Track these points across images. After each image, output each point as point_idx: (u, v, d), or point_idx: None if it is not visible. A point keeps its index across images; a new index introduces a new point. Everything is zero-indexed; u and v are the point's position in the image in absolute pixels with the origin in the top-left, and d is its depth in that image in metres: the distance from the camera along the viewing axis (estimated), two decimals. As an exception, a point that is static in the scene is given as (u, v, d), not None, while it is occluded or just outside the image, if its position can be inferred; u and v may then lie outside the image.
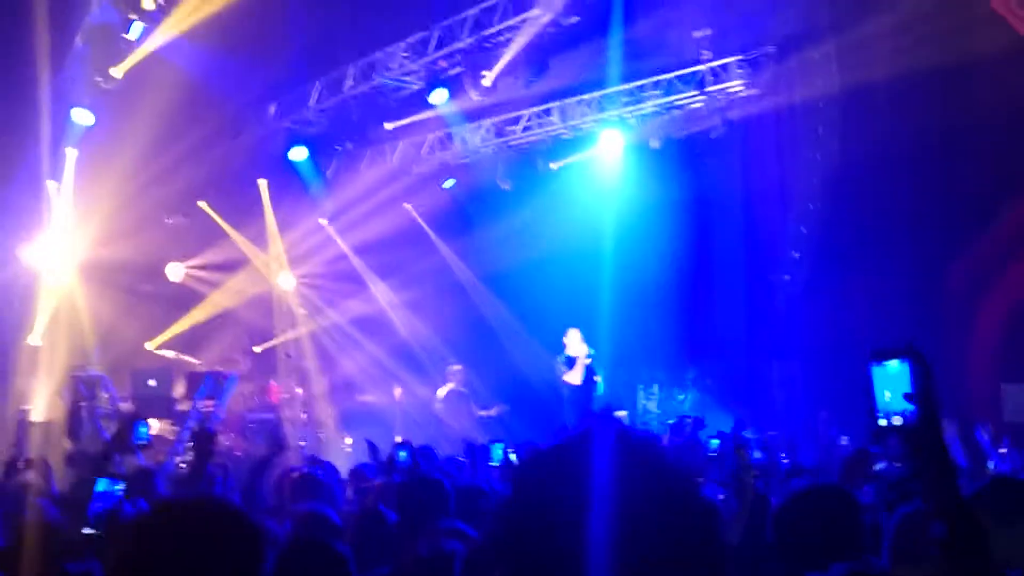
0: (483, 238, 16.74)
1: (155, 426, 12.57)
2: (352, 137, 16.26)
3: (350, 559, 3.64)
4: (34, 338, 14.15)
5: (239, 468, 8.16)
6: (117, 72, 12.69)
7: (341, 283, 17.77)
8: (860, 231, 13.77)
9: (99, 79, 12.90)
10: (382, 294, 17.68)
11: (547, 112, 15.19)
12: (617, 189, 15.24)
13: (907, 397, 2.25)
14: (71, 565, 4.11)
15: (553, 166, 15.62)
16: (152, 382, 12.19)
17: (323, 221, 17.66)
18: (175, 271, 16.74)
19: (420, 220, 17.71)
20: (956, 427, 7.61)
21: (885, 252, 13.42)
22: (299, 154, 16.00)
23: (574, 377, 13.49)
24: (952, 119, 12.01)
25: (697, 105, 13.78)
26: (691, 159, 14.65)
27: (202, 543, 2.33)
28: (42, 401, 13.55)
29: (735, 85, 13.28)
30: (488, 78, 13.45)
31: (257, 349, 16.86)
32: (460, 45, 13.63)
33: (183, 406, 12.36)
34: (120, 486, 5.42)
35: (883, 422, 2.30)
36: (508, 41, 13.31)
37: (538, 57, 13.33)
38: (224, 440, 13.68)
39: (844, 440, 11.06)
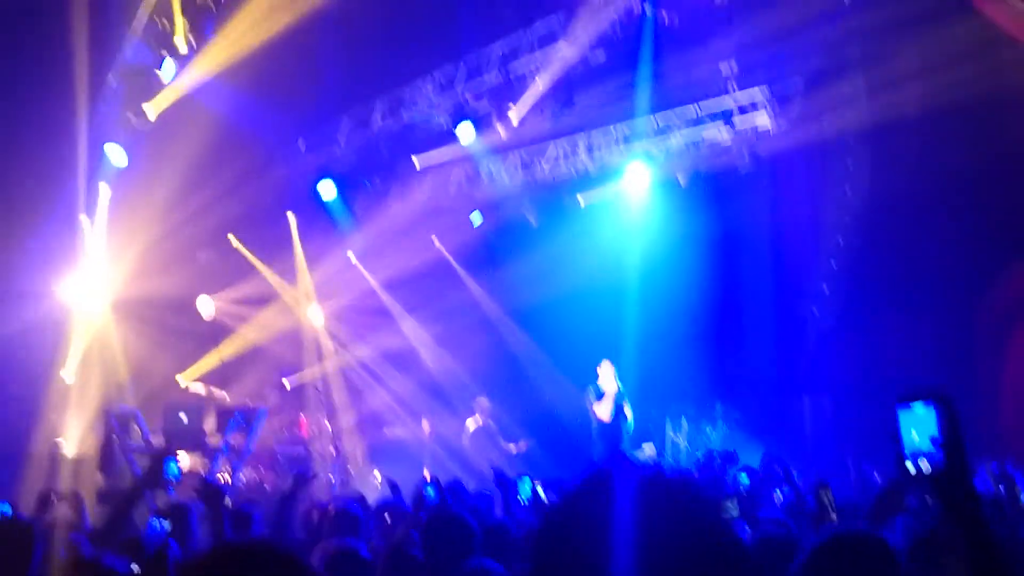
0: (510, 273, 16.74)
1: (187, 460, 12.63)
2: (380, 172, 16.37)
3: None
4: (67, 373, 14.29)
5: (268, 502, 8.19)
6: (150, 111, 12.88)
7: (369, 317, 17.82)
8: (890, 265, 13.69)
9: (132, 117, 13.10)
10: (410, 329, 17.72)
11: (574, 147, 15.23)
12: (645, 224, 15.23)
13: (935, 443, 2.24)
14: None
15: (580, 201, 15.64)
16: (183, 416, 12.24)
17: (351, 256, 17.75)
18: (206, 306, 16.87)
19: (447, 255, 17.76)
20: (989, 463, 7.53)
21: (915, 286, 13.33)
22: (327, 189, 16.13)
23: (603, 412, 13.43)
24: (983, 154, 11.95)
25: (725, 139, 13.78)
26: (719, 194, 14.62)
27: None
28: (74, 436, 13.67)
29: (763, 119, 13.28)
30: (515, 115, 13.53)
31: (286, 383, 16.92)
32: (486, 81, 13.73)
33: (213, 440, 12.41)
34: (166, 523, 5.48)
35: (911, 467, 2.29)
36: (534, 76, 13.39)
37: (564, 92, 13.41)
38: (253, 474, 13.76)
39: (877, 477, 10.93)
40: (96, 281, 14.74)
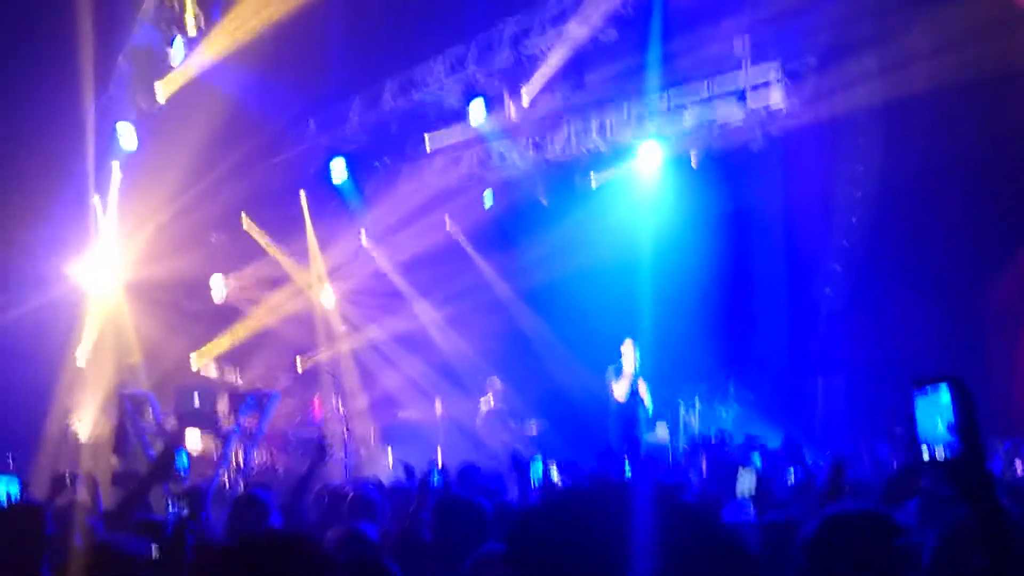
0: (522, 253, 16.71)
1: (199, 441, 12.69)
2: (391, 152, 16.34)
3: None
4: (80, 355, 14.34)
5: (281, 484, 8.20)
6: (160, 93, 12.88)
7: (381, 299, 17.83)
8: (903, 245, 13.61)
9: (141, 99, 13.09)
10: (422, 310, 17.72)
11: (585, 126, 15.17)
12: (657, 203, 15.17)
13: (950, 428, 2.21)
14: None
15: (592, 181, 15.58)
16: (196, 398, 12.28)
17: (363, 238, 17.74)
18: (218, 288, 16.90)
19: (459, 235, 17.73)
20: (1001, 443, 7.50)
21: (928, 266, 13.26)
22: (339, 169, 16.11)
23: (620, 391, 13.44)
24: (996, 133, 11.87)
25: (737, 118, 13.70)
26: (731, 172, 14.54)
27: None
28: (88, 418, 13.73)
29: (775, 97, 13.19)
30: (524, 95, 13.47)
31: (299, 365, 16.96)
32: (497, 61, 13.67)
33: (226, 423, 12.44)
34: (183, 505, 5.51)
35: (926, 452, 2.27)
36: (545, 56, 13.32)
37: (576, 72, 13.34)
38: (266, 456, 13.81)
39: (890, 457, 10.92)
40: (108, 263, 14.77)
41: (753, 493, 5.51)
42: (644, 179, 15.21)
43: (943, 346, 12.41)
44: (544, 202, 16.19)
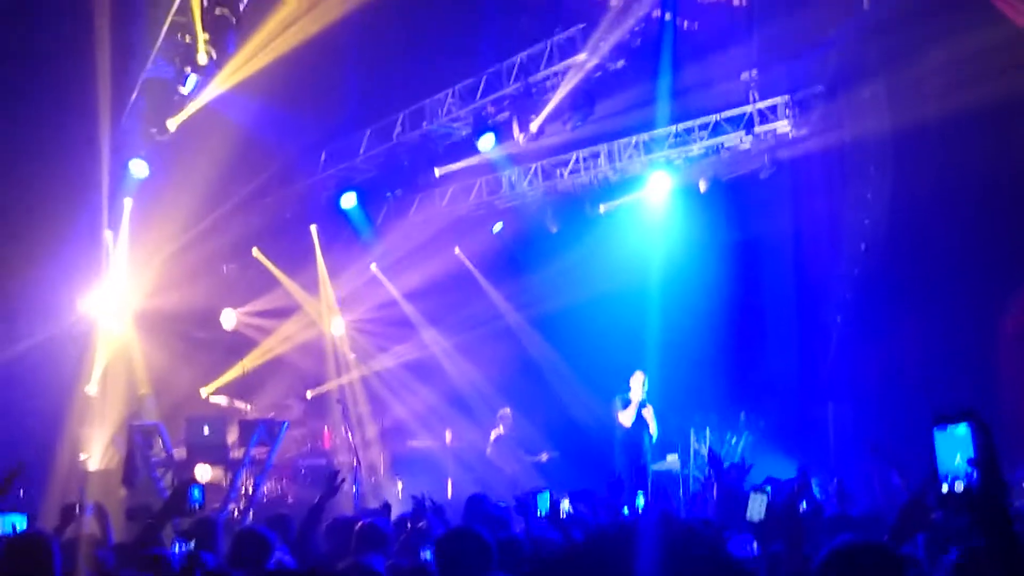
0: (532, 281, 16.74)
1: (210, 473, 12.68)
2: (402, 183, 16.40)
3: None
4: (90, 387, 14.36)
5: (293, 514, 8.18)
6: (172, 125, 12.96)
7: (392, 328, 17.86)
8: (914, 272, 13.57)
9: (154, 131, 13.17)
10: (432, 338, 17.73)
11: (595, 155, 15.24)
12: (665, 231, 15.20)
13: (970, 463, 2.22)
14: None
15: (601, 209, 15.62)
16: (206, 429, 12.29)
17: (374, 267, 17.80)
18: (229, 318, 16.94)
19: (469, 264, 17.77)
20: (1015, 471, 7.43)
21: (939, 291, 13.20)
22: (349, 201, 16.19)
23: (625, 418, 13.43)
24: (1005, 159, 11.85)
25: (745, 146, 13.73)
26: (740, 200, 14.57)
27: None
28: (98, 449, 13.74)
29: (783, 125, 13.23)
30: (534, 124, 13.53)
31: (309, 395, 16.96)
32: (507, 91, 13.76)
33: (236, 453, 12.44)
34: (190, 544, 5.52)
35: (946, 487, 2.27)
36: (555, 86, 13.40)
37: (585, 101, 13.40)
38: (276, 486, 13.79)
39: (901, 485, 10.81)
40: (119, 294, 14.82)
41: (763, 517, 5.46)
42: (653, 207, 15.25)
43: (954, 373, 12.33)
44: (553, 230, 16.23)
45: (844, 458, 13.10)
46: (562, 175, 15.63)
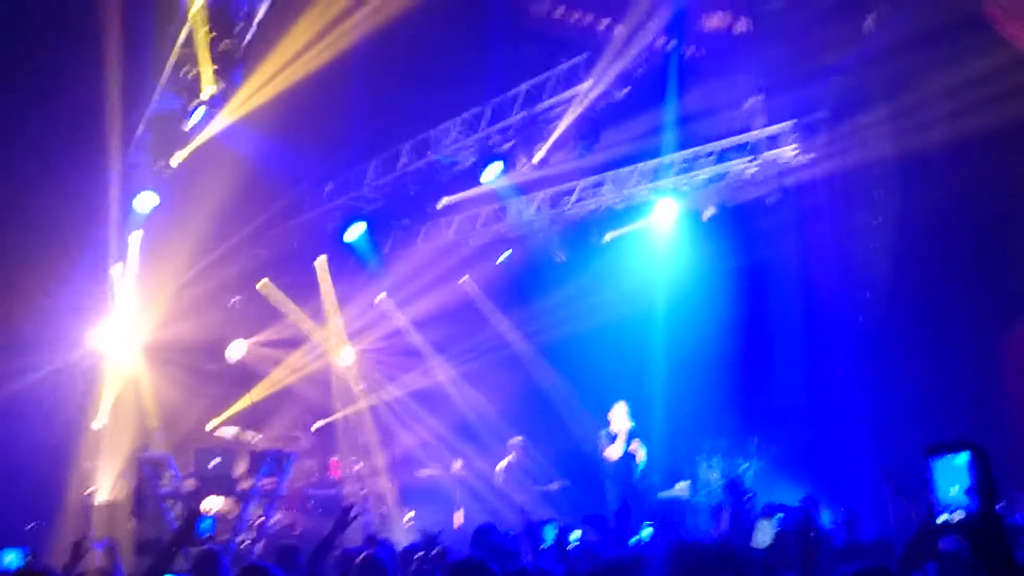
0: (539, 310, 16.73)
1: (219, 505, 12.66)
2: (408, 213, 16.42)
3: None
4: (99, 420, 14.38)
5: (301, 545, 8.16)
6: (178, 158, 13.03)
7: (399, 357, 17.86)
8: (922, 295, 13.54)
9: (161, 164, 13.24)
10: (440, 368, 17.72)
11: (600, 183, 15.25)
12: (672, 258, 15.19)
13: (968, 491, 2.21)
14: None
15: (607, 237, 15.62)
16: (215, 461, 12.29)
17: (381, 297, 17.82)
18: (236, 350, 16.95)
19: (477, 293, 17.78)
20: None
21: (948, 316, 13.17)
22: (356, 231, 16.22)
23: (614, 452, 13.44)
24: (1012, 180, 11.84)
25: (751, 172, 13.74)
26: (746, 226, 14.56)
27: None
28: (107, 482, 13.73)
29: (789, 151, 13.24)
30: (539, 154, 13.56)
31: (317, 425, 16.95)
32: (512, 120, 13.79)
33: (245, 485, 12.42)
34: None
35: (944, 517, 2.26)
36: (559, 115, 13.43)
37: (590, 129, 13.42)
38: (285, 517, 13.76)
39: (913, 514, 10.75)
40: (127, 327, 14.85)
41: (771, 543, 5.44)
42: (659, 234, 15.24)
43: (966, 398, 12.28)
44: (560, 259, 16.23)
45: (854, 484, 13.02)
46: (568, 203, 15.64)
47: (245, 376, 16.65)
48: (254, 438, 15.50)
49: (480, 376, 17.19)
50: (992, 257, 12.50)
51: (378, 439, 16.89)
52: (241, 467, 12.85)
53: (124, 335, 14.83)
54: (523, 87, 13.70)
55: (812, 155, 13.24)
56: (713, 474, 14.82)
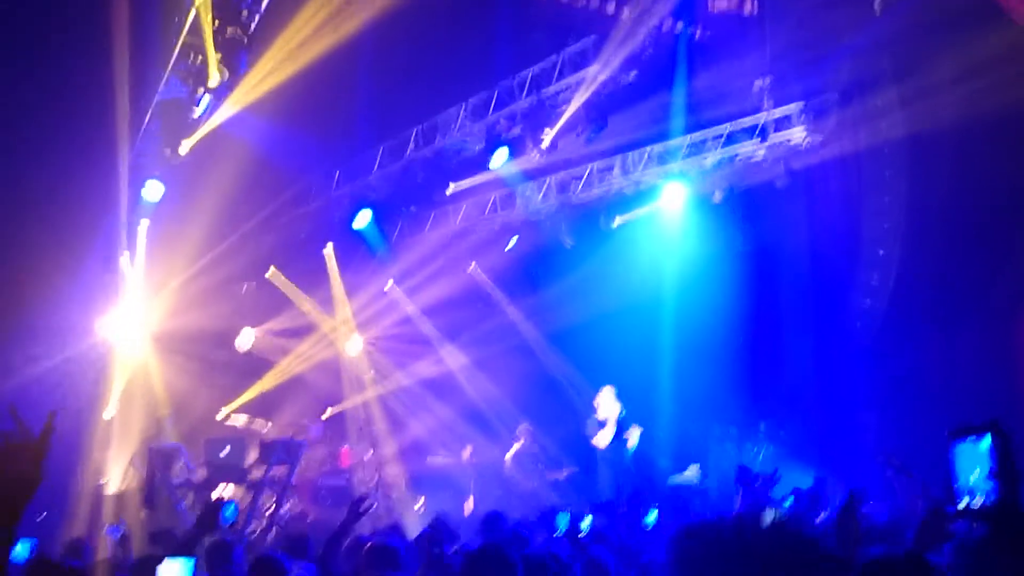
0: (548, 296, 16.72)
1: (229, 494, 12.68)
2: (416, 200, 16.41)
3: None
4: (109, 410, 14.39)
5: (313, 533, 8.16)
6: (185, 146, 13.00)
7: (408, 345, 17.86)
8: (932, 276, 13.48)
9: (168, 153, 13.22)
10: (449, 355, 17.72)
11: (608, 168, 15.19)
12: (681, 242, 15.15)
13: (990, 474, 2.18)
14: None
15: (616, 222, 15.57)
16: (226, 450, 12.29)
17: (390, 284, 17.81)
18: (245, 339, 16.96)
19: (485, 280, 17.76)
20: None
21: (959, 296, 13.11)
22: (364, 219, 16.21)
23: (604, 438, 13.44)
24: (1021, 160, 11.76)
25: (760, 155, 13.67)
26: (755, 209, 14.51)
27: None
28: (117, 472, 13.76)
29: (798, 133, 13.17)
30: (546, 139, 13.50)
31: (327, 414, 16.95)
32: (519, 105, 13.74)
33: (256, 474, 12.43)
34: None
35: (964, 502, 2.23)
36: (567, 100, 13.36)
37: (597, 114, 13.35)
38: (296, 506, 13.77)
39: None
40: (136, 316, 14.86)
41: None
42: (668, 218, 15.20)
43: (976, 379, 12.23)
44: (569, 244, 16.19)
45: (865, 467, 13.00)
46: (576, 188, 15.59)
47: (255, 365, 16.65)
48: (264, 427, 15.51)
49: (489, 363, 17.18)
50: (1002, 240, 12.43)
51: (388, 427, 16.89)
52: (252, 456, 12.85)
53: (134, 324, 14.84)
54: (530, 72, 13.64)
55: (821, 137, 13.16)
56: (724, 459, 14.80)
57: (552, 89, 13.41)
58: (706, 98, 13.69)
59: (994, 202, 12.36)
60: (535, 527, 7.66)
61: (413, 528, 9.04)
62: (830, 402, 14.47)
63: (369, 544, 6.12)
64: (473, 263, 17.68)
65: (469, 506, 14.75)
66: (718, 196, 14.28)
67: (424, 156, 15.12)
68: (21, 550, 6.46)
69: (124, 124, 12.46)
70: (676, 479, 14.85)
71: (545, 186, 15.92)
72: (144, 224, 14.75)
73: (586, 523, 7.55)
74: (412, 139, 15.17)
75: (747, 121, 13.58)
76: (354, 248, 17.09)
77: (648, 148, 14.67)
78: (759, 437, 15.05)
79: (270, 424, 15.69)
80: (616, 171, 15.12)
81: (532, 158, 14.13)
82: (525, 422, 15.39)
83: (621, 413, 13.41)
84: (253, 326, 17.13)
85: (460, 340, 17.67)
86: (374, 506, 12.08)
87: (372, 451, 15.75)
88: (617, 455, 13.48)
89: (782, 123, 13.24)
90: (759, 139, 13.45)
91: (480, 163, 14.84)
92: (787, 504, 8.58)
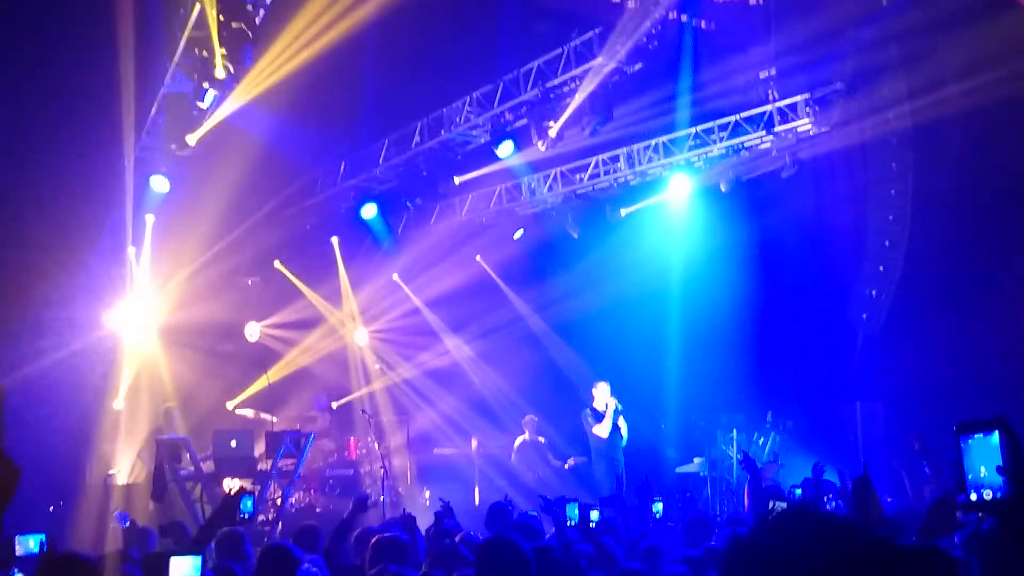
0: (554, 287, 16.73)
1: (238, 486, 12.69)
2: (422, 192, 16.40)
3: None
4: (117, 402, 14.44)
5: (321, 524, 8.19)
6: (191, 140, 13.01)
7: (415, 337, 17.88)
8: (937, 266, 13.48)
9: (174, 146, 13.23)
10: (456, 347, 17.74)
11: (614, 159, 15.18)
12: (687, 233, 15.15)
13: (999, 470, 2.19)
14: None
15: (622, 213, 15.57)
16: (234, 442, 12.32)
17: (395, 276, 17.83)
18: (252, 331, 16.98)
19: (491, 271, 17.77)
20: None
21: (964, 286, 13.12)
22: (370, 211, 16.22)
23: (602, 430, 13.46)
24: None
25: (766, 145, 13.65)
26: (761, 199, 14.50)
27: None
28: (125, 464, 13.81)
29: (804, 123, 13.14)
30: (552, 129, 13.50)
31: (334, 405, 16.97)
32: (525, 97, 13.72)
33: (263, 465, 12.46)
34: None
35: (973, 496, 2.24)
36: (572, 91, 13.35)
37: (603, 105, 13.33)
38: (304, 497, 13.81)
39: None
40: (143, 309, 14.90)
41: None
42: (674, 209, 15.19)
43: (981, 369, 12.24)
44: (575, 235, 16.19)
45: (874, 457, 13.02)
46: (582, 180, 15.59)
47: (262, 357, 16.67)
48: (271, 419, 15.54)
49: (495, 354, 17.20)
50: (1008, 231, 12.43)
51: (395, 418, 16.92)
52: (259, 448, 12.88)
53: (141, 317, 14.88)
54: (536, 63, 13.61)
55: (827, 128, 13.12)
56: (731, 449, 14.82)
57: (557, 80, 13.38)
58: (712, 89, 13.66)
59: (1000, 193, 12.35)
60: (543, 513, 7.69)
61: (420, 519, 9.07)
62: (837, 391, 14.49)
63: (376, 537, 6.15)
64: (479, 255, 17.69)
65: (476, 497, 14.80)
66: (724, 187, 14.26)
67: (430, 148, 15.12)
68: (32, 545, 6.49)
69: (130, 118, 12.49)
70: (683, 469, 14.88)
71: (551, 178, 15.92)
72: (150, 218, 14.79)
73: (594, 515, 7.56)
74: (417, 131, 15.16)
75: (753, 112, 13.56)
76: (360, 240, 17.11)
77: (654, 139, 14.65)
78: (765, 427, 15.07)
79: (277, 416, 15.72)
80: (622, 162, 15.10)
81: (538, 150, 14.12)
82: (531, 413, 15.41)
83: (617, 407, 13.42)
84: (260, 319, 17.15)
85: (466, 332, 17.69)
86: (381, 500, 12.15)
87: (379, 443, 15.78)
88: (612, 447, 13.51)
89: (788, 113, 13.21)
90: (765, 130, 13.42)
91: (486, 155, 14.84)
92: (797, 493, 8.60)
